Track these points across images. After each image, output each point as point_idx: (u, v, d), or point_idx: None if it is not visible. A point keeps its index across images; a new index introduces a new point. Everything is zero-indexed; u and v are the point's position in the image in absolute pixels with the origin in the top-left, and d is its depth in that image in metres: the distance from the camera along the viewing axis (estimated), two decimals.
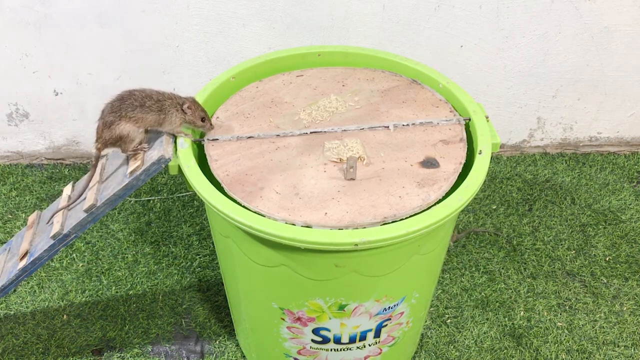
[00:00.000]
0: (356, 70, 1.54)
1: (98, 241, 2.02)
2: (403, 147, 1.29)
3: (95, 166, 1.33)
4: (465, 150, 1.28)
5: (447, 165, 1.24)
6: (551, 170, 2.34)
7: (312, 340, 1.38)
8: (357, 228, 1.11)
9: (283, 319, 1.34)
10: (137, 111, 1.25)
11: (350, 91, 1.46)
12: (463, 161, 1.26)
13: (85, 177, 1.36)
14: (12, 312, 1.80)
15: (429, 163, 1.25)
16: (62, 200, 1.41)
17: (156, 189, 2.22)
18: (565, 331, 1.79)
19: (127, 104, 1.25)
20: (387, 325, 1.37)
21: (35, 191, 2.21)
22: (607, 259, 2.00)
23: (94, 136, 1.28)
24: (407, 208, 1.14)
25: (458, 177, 1.24)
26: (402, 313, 1.37)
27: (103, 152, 1.33)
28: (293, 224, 1.12)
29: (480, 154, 1.25)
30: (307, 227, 1.11)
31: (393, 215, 1.13)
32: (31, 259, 1.36)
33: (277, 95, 1.46)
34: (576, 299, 1.88)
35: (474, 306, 1.85)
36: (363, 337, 1.38)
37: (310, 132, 1.34)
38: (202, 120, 1.31)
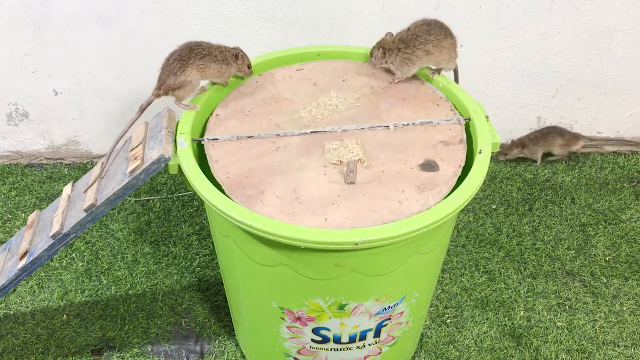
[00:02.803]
0: (357, 64, 1.54)
1: (98, 241, 2.02)
2: (403, 148, 1.29)
3: (142, 111, 1.36)
4: (465, 152, 1.28)
5: (447, 169, 1.24)
6: (551, 170, 2.34)
7: (312, 340, 1.38)
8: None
9: (283, 319, 1.34)
10: (206, 59, 1.34)
11: (351, 88, 1.46)
12: (463, 164, 1.26)
13: (128, 123, 1.37)
14: (12, 312, 1.80)
15: (429, 166, 1.25)
16: (62, 200, 1.41)
17: (156, 189, 2.22)
18: (566, 331, 1.79)
19: (196, 53, 1.33)
20: (387, 325, 1.37)
21: (35, 191, 2.21)
22: (607, 259, 2.00)
23: (155, 84, 1.34)
24: (407, 214, 1.14)
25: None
26: (402, 313, 1.37)
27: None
28: None
29: (480, 154, 1.25)
30: None
31: (392, 221, 1.13)
32: (31, 259, 1.36)
33: (277, 91, 1.46)
34: (576, 299, 1.88)
35: (474, 306, 1.85)
36: (363, 337, 1.38)
37: (311, 132, 1.34)
38: (249, 67, 1.44)
